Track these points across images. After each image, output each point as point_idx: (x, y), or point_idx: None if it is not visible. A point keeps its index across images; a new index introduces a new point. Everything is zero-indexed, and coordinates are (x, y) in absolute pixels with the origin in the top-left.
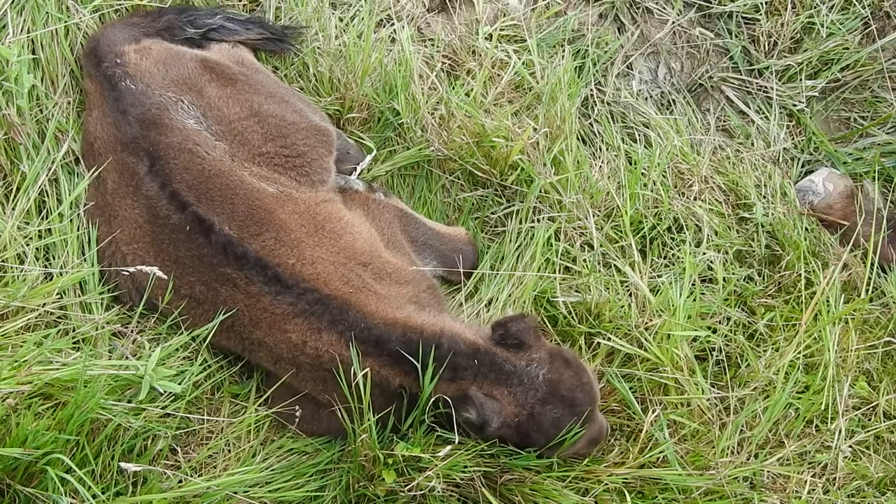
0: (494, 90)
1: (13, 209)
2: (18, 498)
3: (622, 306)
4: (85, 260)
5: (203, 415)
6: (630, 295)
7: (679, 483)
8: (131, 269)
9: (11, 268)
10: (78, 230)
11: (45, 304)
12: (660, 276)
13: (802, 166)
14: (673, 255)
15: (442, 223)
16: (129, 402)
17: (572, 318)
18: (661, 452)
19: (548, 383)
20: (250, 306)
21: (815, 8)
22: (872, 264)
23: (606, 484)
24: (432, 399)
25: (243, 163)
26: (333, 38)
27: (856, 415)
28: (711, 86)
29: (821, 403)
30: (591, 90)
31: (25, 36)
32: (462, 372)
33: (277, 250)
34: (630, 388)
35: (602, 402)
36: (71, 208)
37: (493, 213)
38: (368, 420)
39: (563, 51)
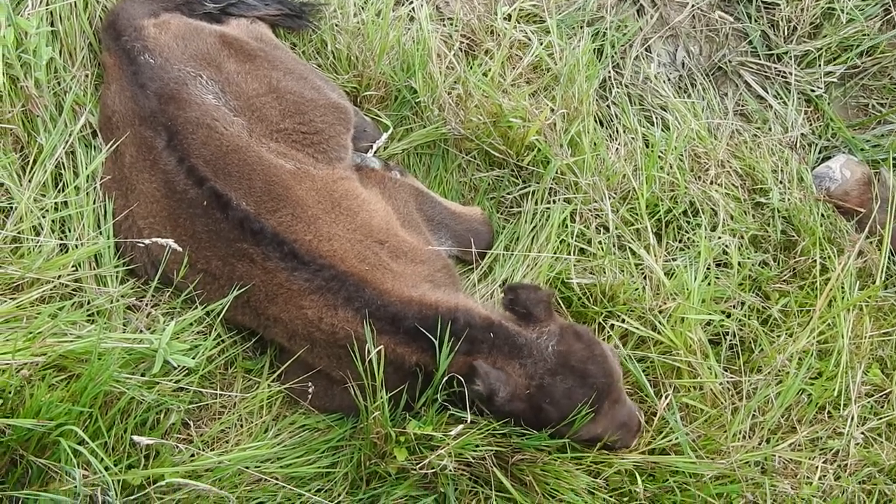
0: (512, 71)
1: (30, 181)
2: (31, 468)
3: (636, 289)
4: (101, 233)
5: (216, 389)
6: (644, 278)
7: (690, 470)
8: (146, 242)
9: (27, 239)
10: (94, 203)
11: (60, 277)
12: (675, 260)
13: (820, 152)
14: (688, 238)
15: (457, 203)
16: (142, 375)
17: (587, 299)
18: (674, 440)
19: (557, 355)
20: (266, 282)
21: None
22: (888, 251)
23: (618, 467)
24: (447, 376)
25: (261, 139)
26: (352, 16)
27: (868, 402)
28: (730, 70)
29: (834, 390)
30: (610, 72)
31: (44, 8)
32: (478, 345)
33: (294, 226)
34: (643, 371)
35: None
36: (87, 181)
37: (508, 194)
38: (381, 397)
39: (582, 32)
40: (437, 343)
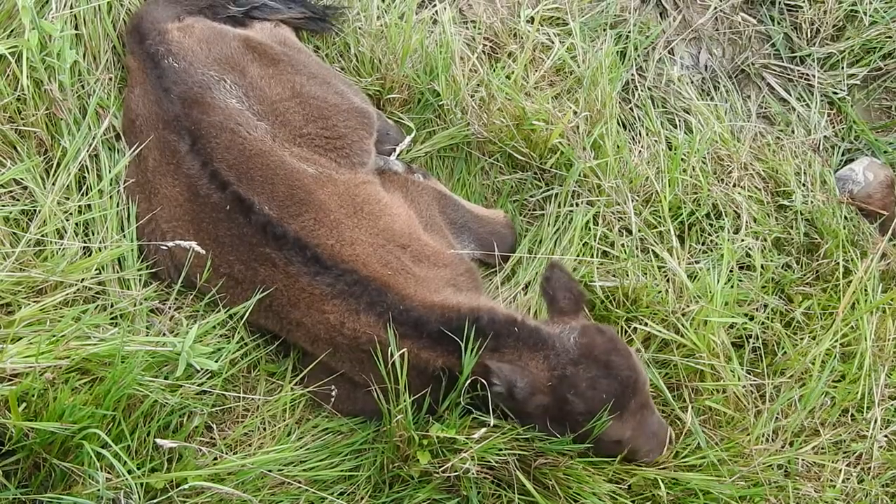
0: (535, 73)
1: (53, 184)
2: (55, 472)
3: (659, 292)
4: (124, 236)
5: (239, 393)
6: (667, 280)
7: (712, 489)
8: (170, 244)
9: (51, 243)
10: (118, 206)
11: (83, 280)
12: (697, 262)
13: (843, 155)
14: (711, 241)
15: (480, 205)
16: (165, 378)
17: (610, 302)
18: (701, 458)
19: (579, 346)
20: (289, 286)
21: None
22: None
23: (638, 475)
24: (471, 379)
25: (284, 143)
26: (375, 19)
27: (892, 404)
28: (753, 72)
29: (857, 392)
30: (633, 75)
31: (68, 11)
32: (504, 340)
33: (317, 231)
34: (666, 374)
35: None
36: (111, 185)
37: (531, 197)
38: (404, 401)
39: (605, 35)
40: (463, 341)
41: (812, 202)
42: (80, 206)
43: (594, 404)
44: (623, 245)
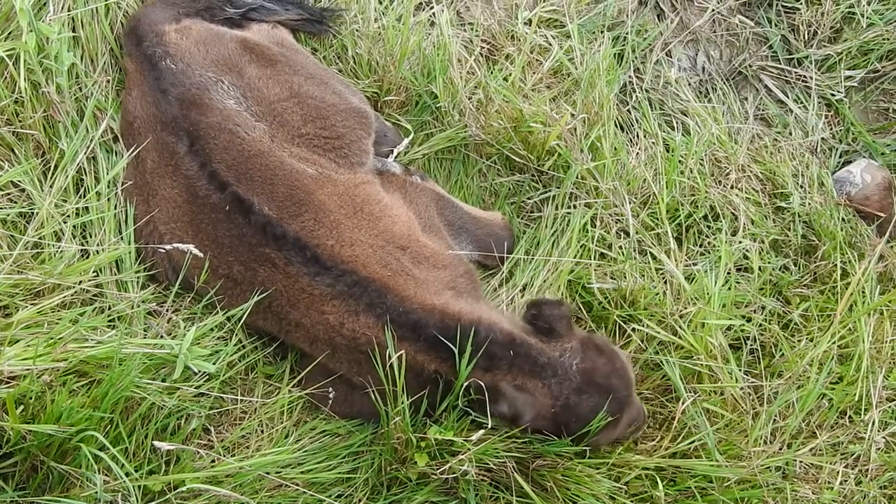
0: (533, 75)
1: (51, 187)
2: (52, 474)
3: (657, 293)
4: (122, 238)
5: (237, 395)
6: (665, 282)
7: (712, 473)
8: (167, 247)
9: (49, 245)
10: (115, 208)
11: (81, 282)
12: (695, 264)
13: (840, 157)
14: (709, 243)
15: (478, 207)
16: (163, 380)
17: (608, 304)
18: (697, 441)
19: (581, 373)
20: (288, 287)
21: None
22: None
23: (638, 472)
24: (465, 384)
25: (283, 144)
26: (372, 21)
27: (890, 406)
28: (750, 74)
29: (854, 394)
30: (630, 77)
31: (66, 14)
32: (497, 361)
33: (316, 231)
34: (663, 376)
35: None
36: (109, 187)
37: (529, 199)
38: (402, 403)
39: (603, 37)
40: (456, 354)
41: (810, 204)
42: (77, 209)
43: (593, 424)
44: (621, 247)
